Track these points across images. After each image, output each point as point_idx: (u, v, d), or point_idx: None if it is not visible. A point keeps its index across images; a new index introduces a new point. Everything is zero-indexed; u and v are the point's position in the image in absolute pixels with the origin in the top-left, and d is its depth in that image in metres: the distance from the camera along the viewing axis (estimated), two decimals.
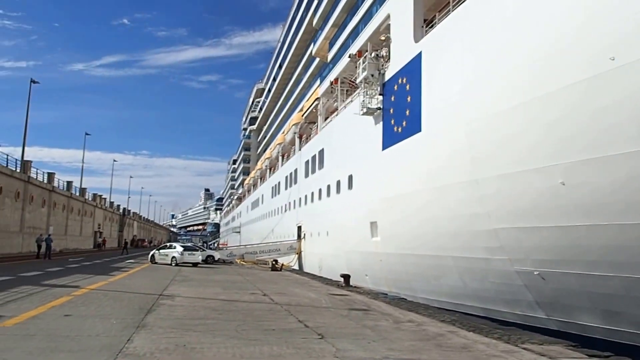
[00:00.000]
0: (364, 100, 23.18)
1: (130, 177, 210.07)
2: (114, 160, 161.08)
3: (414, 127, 18.78)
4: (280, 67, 68.65)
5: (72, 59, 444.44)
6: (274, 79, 74.40)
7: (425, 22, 20.23)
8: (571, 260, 12.91)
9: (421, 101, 18.31)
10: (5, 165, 39.91)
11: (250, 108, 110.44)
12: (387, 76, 22.15)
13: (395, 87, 21.01)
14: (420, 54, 18.68)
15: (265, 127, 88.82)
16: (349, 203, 27.39)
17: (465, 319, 13.34)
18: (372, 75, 22.75)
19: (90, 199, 71.62)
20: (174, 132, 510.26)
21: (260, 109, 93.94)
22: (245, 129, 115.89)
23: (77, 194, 64.02)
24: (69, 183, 60.84)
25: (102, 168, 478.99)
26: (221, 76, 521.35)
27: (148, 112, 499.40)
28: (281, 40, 72.49)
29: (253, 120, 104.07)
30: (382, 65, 22.84)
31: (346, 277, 21.98)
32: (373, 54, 23.03)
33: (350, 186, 27.21)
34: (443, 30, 17.58)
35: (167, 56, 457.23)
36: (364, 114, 23.26)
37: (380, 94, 22.62)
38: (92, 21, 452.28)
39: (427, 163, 17.94)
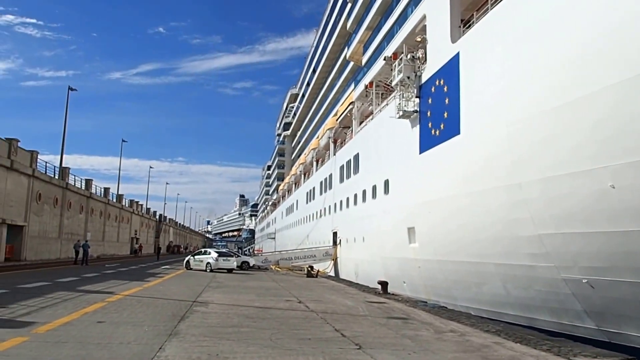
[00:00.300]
0: (400, 103, 22.68)
1: (167, 183, 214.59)
2: (150, 167, 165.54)
3: (452, 129, 18.20)
4: (314, 71, 68.48)
5: (109, 67, 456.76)
6: (308, 84, 74.30)
7: (462, 22, 19.65)
8: (622, 267, 12.17)
9: (460, 103, 17.73)
10: (43, 172, 40.77)
11: (284, 114, 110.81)
12: (424, 78, 21.62)
13: (433, 89, 20.46)
14: (457, 55, 18.12)
15: (299, 133, 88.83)
16: (385, 208, 26.87)
17: (509, 328, 12.68)
18: (408, 78, 22.24)
19: (127, 205, 72.68)
20: (209, 139, 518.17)
21: (294, 114, 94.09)
22: (279, 135, 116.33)
23: (114, 200, 65.05)
24: (106, 189, 61.89)
25: (139, 175, 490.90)
26: (255, 83, 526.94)
27: (184, 119, 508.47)
28: (314, 45, 72.45)
29: (287, 126, 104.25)
30: (419, 67, 22.31)
31: (384, 284, 21.46)
32: (409, 56, 22.52)
33: (386, 191, 26.70)
34: (481, 29, 16.98)
35: (202, 63, 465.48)
36: (400, 117, 22.76)
37: (416, 97, 22.08)
38: (129, 30, 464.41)
39: (466, 166, 17.35)
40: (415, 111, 22.03)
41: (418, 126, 21.93)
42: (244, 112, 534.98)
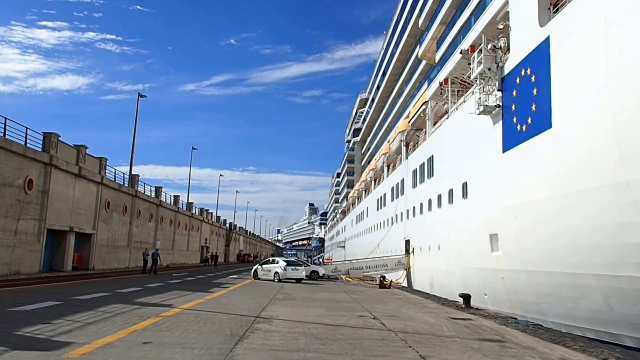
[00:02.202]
0: (480, 98, 20.74)
1: (237, 191, 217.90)
2: (220, 175, 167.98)
3: (542, 123, 16.11)
4: (383, 74, 66.98)
5: (184, 79, 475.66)
6: (378, 88, 72.91)
7: (551, 3, 17.54)
8: None
9: (551, 93, 15.65)
10: (112, 179, 41.24)
11: (354, 119, 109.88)
12: (507, 69, 19.57)
13: (518, 80, 18.41)
14: (547, 39, 16.05)
15: (369, 138, 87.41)
16: (463, 214, 24.82)
17: (629, 354, 10.57)
18: (489, 70, 20.28)
19: (197, 213, 73.04)
20: (279, 148, 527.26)
21: (364, 119, 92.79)
22: (348, 141, 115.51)
23: (184, 208, 65.49)
24: (176, 197, 61.86)
25: (211, 185, 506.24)
26: (324, 90, 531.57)
27: (255, 128, 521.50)
28: (384, 47, 71.07)
29: (356, 132, 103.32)
30: (500, 57, 20.30)
31: (466, 297, 19.39)
32: (489, 46, 20.54)
33: (464, 195, 24.65)
34: (577, 7, 14.89)
35: (272, 73, 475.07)
36: (480, 113, 20.79)
37: (498, 90, 20.06)
38: (202, 43, 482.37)
39: (561, 164, 15.20)
40: (498, 106, 19.99)
41: (501, 122, 19.87)
42: (313, 120, 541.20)
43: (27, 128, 28.26)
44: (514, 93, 18.71)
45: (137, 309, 13.67)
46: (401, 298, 22.48)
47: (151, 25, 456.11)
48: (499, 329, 12.69)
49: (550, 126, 15.64)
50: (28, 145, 28.18)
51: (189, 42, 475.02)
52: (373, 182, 63.94)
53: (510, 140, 18.82)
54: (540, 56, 16.49)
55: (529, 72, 17.43)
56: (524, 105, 17.67)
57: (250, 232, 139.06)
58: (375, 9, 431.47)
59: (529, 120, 17.18)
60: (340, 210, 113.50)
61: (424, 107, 37.25)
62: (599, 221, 13.59)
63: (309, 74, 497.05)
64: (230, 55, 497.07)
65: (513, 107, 18.73)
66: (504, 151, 19.46)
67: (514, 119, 18.50)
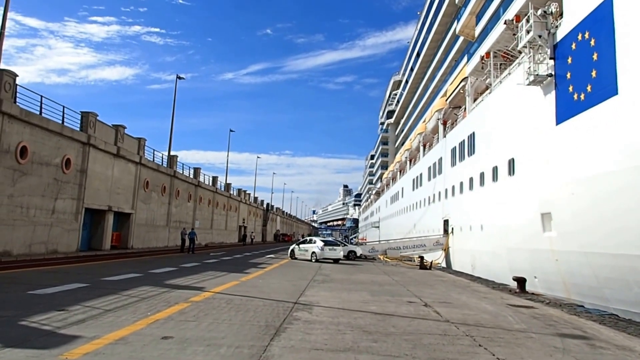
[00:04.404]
0: (530, 68, 19.36)
1: (274, 173, 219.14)
2: (258, 157, 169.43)
3: (606, 90, 14.75)
4: (417, 55, 65.54)
5: (223, 69, 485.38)
6: (412, 70, 71.55)
7: None
8: None
9: (616, 57, 14.26)
10: (151, 159, 41.29)
11: (387, 101, 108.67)
12: (560, 35, 18.12)
13: (574, 46, 16.99)
14: None
15: (402, 120, 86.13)
16: (510, 192, 23.54)
17: None
18: (540, 37, 18.84)
19: (235, 194, 73.67)
20: (313, 132, 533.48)
21: (398, 101, 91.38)
22: (382, 123, 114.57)
23: (222, 189, 65.96)
24: (214, 178, 62.34)
25: (250, 168, 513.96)
26: (356, 77, 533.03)
27: (290, 114, 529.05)
28: (418, 29, 69.62)
29: (390, 114, 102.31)
30: (551, 23, 18.84)
31: (520, 281, 18.15)
32: (539, 12, 19.09)
33: (511, 172, 23.36)
34: None
35: (306, 61, 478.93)
36: (530, 83, 19.42)
37: (550, 58, 18.63)
38: (240, 33, 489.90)
39: (630, 133, 13.85)
40: (550, 75, 18.59)
41: (553, 92, 18.49)
42: (346, 105, 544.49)
43: (64, 107, 28.09)
44: (570, 60, 17.29)
45: (165, 292, 12.86)
46: (446, 280, 21.50)
47: (192, 18, 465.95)
48: (572, 320, 11.49)
49: (616, 92, 14.26)
50: (66, 124, 28.05)
51: (228, 33, 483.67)
52: (408, 162, 62.63)
53: (566, 111, 17.45)
54: (601, 17, 15.06)
55: (587, 36, 16.01)
56: (582, 72, 16.27)
57: (286, 212, 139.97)
58: None
59: (589, 88, 15.82)
60: (374, 191, 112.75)
61: (463, 83, 35.78)
62: None
63: (342, 61, 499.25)
64: (267, 45, 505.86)
65: (568, 75, 17.33)
66: (557, 123, 18.10)
67: (570, 88, 17.12)
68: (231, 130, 76.28)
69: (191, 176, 52.62)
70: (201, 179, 55.72)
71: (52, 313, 9.14)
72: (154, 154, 42.14)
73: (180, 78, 49.45)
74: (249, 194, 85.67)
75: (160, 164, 43.59)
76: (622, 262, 14.74)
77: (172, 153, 47.56)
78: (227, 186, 69.31)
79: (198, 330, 8.20)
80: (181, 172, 48.99)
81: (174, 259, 28.19)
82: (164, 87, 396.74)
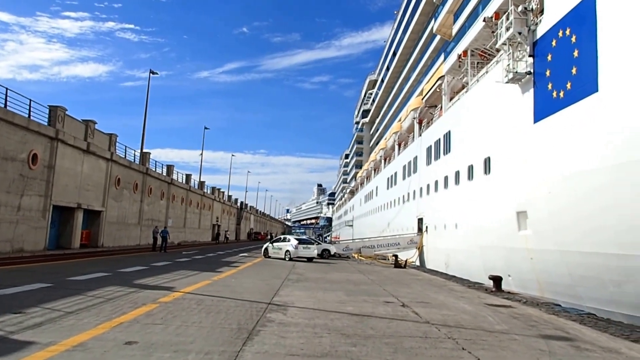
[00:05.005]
0: (509, 65, 19.22)
1: (248, 172, 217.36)
2: (232, 155, 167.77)
3: (586, 87, 14.64)
4: (394, 55, 65.58)
5: (198, 67, 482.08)
6: (387, 69, 71.59)
7: None
8: None
9: (597, 53, 14.14)
10: (123, 156, 40.24)
11: (363, 101, 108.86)
12: (540, 32, 18.01)
13: (554, 43, 16.87)
14: None
15: (378, 119, 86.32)
16: (485, 191, 23.46)
17: None
18: (520, 34, 18.72)
19: (208, 192, 72.79)
20: (288, 131, 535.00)
21: (373, 100, 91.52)
22: (357, 123, 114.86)
23: (196, 187, 65.05)
24: (188, 176, 61.41)
25: (224, 167, 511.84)
26: (332, 76, 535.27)
27: (265, 113, 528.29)
28: (394, 28, 69.70)
29: (365, 113, 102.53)
30: (532, 20, 18.73)
31: (497, 280, 17.98)
32: (520, 8, 18.95)
33: (487, 170, 23.26)
34: None
35: (282, 60, 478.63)
36: (509, 81, 19.29)
37: (530, 56, 18.53)
38: (216, 32, 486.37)
39: (610, 132, 13.73)
40: (529, 73, 18.47)
41: (532, 90, 18.39)
42: (321, 105, 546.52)
43: (30, 100, 26.95)
44: (549, 57, 17.17)
45: (132, 292, 12.15)
46: (422, 279, 21.24)
47: (168, 15, 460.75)
48: (552, 320, 11.22)
49: (596, 90, 14.16)
50: (33, 118, 26.88)
51: (204, 31, 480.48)
52: (383, 161, 62.64)
53: (544, 109, 17.34)
54: (583, 13, 14.95)
55: (568, 32, 15.89)
56: (562, 69, 16.16)
57: (260, 211, 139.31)
58: None
59: (568, 86, 15.70)
60: (348, 190, 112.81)
61: (439, 82, 35.73)
62: None
63: (317, 61, 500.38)
64: (243, 43, 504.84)
65: (548, 73, 17.21)
66: (535, 121, 17.99)
67: (549, 86, 17.01)
68: (206, 128, 75.42)
69: (164, 174, 51.63)
70: (174, 177, 54.79)
71: (7, 316, 8.40)
72: (125, 150, 41.12)
73: (153, 73, 48.25)
74: (223, 192, 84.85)
75: (133, 160, 42.54)
76: (598, 260, 14.67)
77: (145, 150, 46.47)
78: (201, 184, 68.36)
79: (165, 334, 7.60)
80: (154, 170, 47.97)
81: (145, 257, 27.38)
82: (138, 84, 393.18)
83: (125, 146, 41.24)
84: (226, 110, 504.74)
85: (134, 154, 43.64)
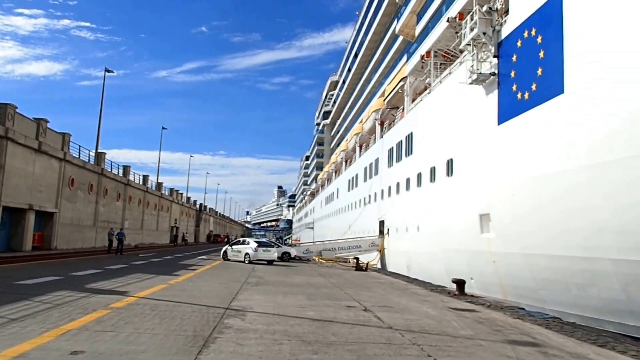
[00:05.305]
0: (473, 66, 19.00)
1: (207, 173, 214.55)
2: (191, 156, 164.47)
3: (551, 89, 14.44)
4: (355, 56, 65.46)
5: (156, 66, 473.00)
6: (349, 70, 71.43)
7: None
8: None
9: (563, 54, 13.96)
10: (77, 156, 38.60)
11: (324, 102, 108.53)
12: (505, 32, 17.84)
13: (519, 43, 16.70)
14: None
15: (339, 121, 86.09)
16: (448, 193, 23.23)
17: None
18: (484, 34, 18.50)
19: (167, 193, 71.25)
20: (248, 133, 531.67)
21: (334, 102, 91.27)
22: (318, 124, 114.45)
23: (154, 188, 63.54)
24: (145, 177, 60.14)
25: (183, 168, 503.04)
26: (292, 77, 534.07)
27: (225, 114, 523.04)
28: (356, 29, 69.52)
29: (326, 115, 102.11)
30: (497, 21, 18.55)
31: (460, 284, 17.71)
32: (485, 7, 18.75)
33: (449, 172, 23.04)
34: None
35: (242, 60, 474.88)
36: (472, 82, 19.06)
37: (494, 56, 18.35)
38: (174, 31, 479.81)
39: (574, 133, 13.54)
40: (493, 74, 18.29)
41: (496, 92, 18.20)
42: (282, 106, 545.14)
43: None
44: (514, 58, 17.00)
45: (84, 297, 11.32)
46: (383, 282, 20.82)
47: (125, 14, 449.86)
48: (517, 324, 10.87)
49: (562, 91, 13.97)
50: None
51: (161, 30, 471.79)
52: (344, 163, 62.38)
53: (508, 110, 17.15)
54: (549, 13, 14.77)
55: (534, 33, 15.71)
56: (527, 70, 15.97)
57: (220, 213, 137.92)
58: None
59: (534, 87, 15.51)
60: (309, 192, 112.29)
61: (401, 83, 35.57)
62: (623, 199, 12.03)
63: (278, 62, 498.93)
64: (202, 43, 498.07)
65: (512, 74, 17.03)
66: (499, 123, 17.80)
67: (514, 87, 16.82)
68: (164, 128, 73.88)
69: (121, 174, 50.14)
70: (131, 178, 53.48)
71: None
72: (79, 150, 39.57)
73: (109, 71, 46.72)
74: (182, 193, 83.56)
75: (87, 161, 41.05)
76: (562, 263, 14.50)
77: (100, 150, 44.98)
78: (159, 185, 66.90)
79: (115, 342, 6.96)
80: (109, 170, 46.60)
81: (100, 260, 26.25)
82: (94, 83, 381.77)
83: (80, 146, 39.82)
84: (185, 110, 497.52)
85: (89, 154, 42.16)
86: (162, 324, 8.55)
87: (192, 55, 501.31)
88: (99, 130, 46.14)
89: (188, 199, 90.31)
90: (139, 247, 48.84)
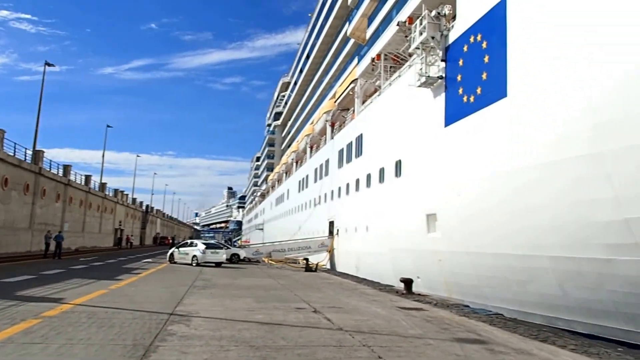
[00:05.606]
0: (421, 69, 19.37)
1: (155, 173, 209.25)
2: (138, 156, 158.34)
3: (495, 92, 14.92)
4: (307, 57, 65.57)
5: (102, 63, 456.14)
6: (301, 71, 71.52)
7: None
8: None
9: (507, 59, 14.44)
10: (12, 154, 36.52)
11: (275, 103, 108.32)
12: (452, 37, 18.29)
13: (465, 48, 17.16)
14: (504, 0, 14.77)
15: (290, 122, 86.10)
16: (396, 193, 23.60)
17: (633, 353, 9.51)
18: (433, 38, 18.90)
19: (111, 194, 68.95)
20: (198, 133, 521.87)
21: (286, 103, 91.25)
22: (269, 125, 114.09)
23: (97, 189, 61.24)
24: (88, 177, 57.64)
25: (130, 168, 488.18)
26: (244, 78, 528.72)
27: (174, 113, 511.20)
28: (308, 30, 69.59)
29: (278, 116, 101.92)
30: (444, 25, 18.99)
31: (408, 283, 17.99)
32: (434, 12, 19.16)
33: (397, 173, 23.41)
34: None
35: (193, 59, 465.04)
36: (421, 85, 19.43)
37: (442, 60, 18.78)
38: (122, 26, 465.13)
39: (516, 136, 14.02)
40: (440, 77, 18.72)
41: (443, 95, 18.64)
42: (233, 107, 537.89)
43: None
44: (461, 62, 17.46)
45: (12, 306, 10.61)
46: (333, 283, 20.92)
47: (69, 6, 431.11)
48: (463, 322, 11.13)
49: (505, 95, 14.44)
50: None
51: (108, 25, 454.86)
52: (295, 164, 62.36)
53: (455, 113, 17.60)
54: (494, 20, 15.24)
55: (479, 38, 16.19)
56: (473, 74, 16.44)
57: (167, 215, 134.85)
58: (296, 1, 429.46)
59: (478, 91, 15.98)
60: (259, 194, 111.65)
61: (352, 85, 35.89)
62: (563, 198, 12.53)
63: (230, 61, 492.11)
64: (151, 40, 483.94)
65: (459, 78, 17.48)
66: (446, 125, 18.24)
67: (460, 90, 17.27)
68: (108, 126, 70.63)
69: (60, 174, 47.72)
70: (72, 178, 50.93)
71: None
72: (15, 147, 37.31)
73: (49, 65, 44.35)
74: (127, 194, 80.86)
75: (24, 159, 38.73)
76: (503, 261, 14.99)
77: (38, 148, 42.49)
78: (102, 186, 64.44)
79: (44, 355, 6.48)
80: (48, 170, 44.09)
81: (35, 265, 24.94)
82: (35, 78, 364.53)
83: (15, 143, 37.49)
84: (133, 109, 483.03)
85: (25, 152, 39.83)
86: (99, 333, 8.08)
87: (140, 53, 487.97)
88: (37, 127, 43.85)
89: (134, 200, 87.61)
90: (79, 251, 46.99)
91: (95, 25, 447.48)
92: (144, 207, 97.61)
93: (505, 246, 14.75)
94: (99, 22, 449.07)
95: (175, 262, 30.83)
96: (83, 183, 55.63)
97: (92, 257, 36.80)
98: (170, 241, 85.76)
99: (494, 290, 16.04)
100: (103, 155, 73.33)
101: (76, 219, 52.40)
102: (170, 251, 32.86)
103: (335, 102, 41.58)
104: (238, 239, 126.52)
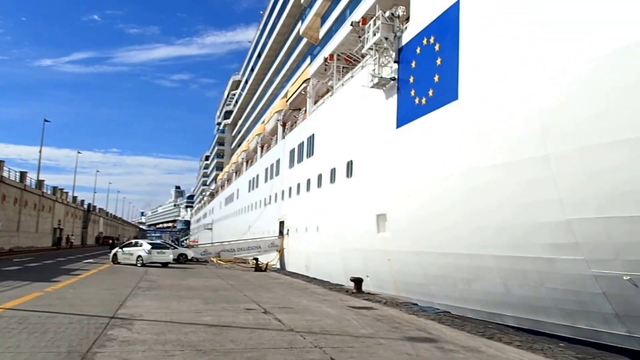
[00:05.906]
0: (374, 70, 19.49)
1: (97, 171, 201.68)
2: (79, 152, 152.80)
3: (446, 95, 15.14)
4: (259, 56, 65.09)
5: (40, 54, 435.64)
6: (252, 70, 70.89)
7: None
8: None
9: (458, 62, 14.67)
10: None
11: (225, 101, 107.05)
12: (406, 39, 18.46)
13: (418, 50, 17.36)
14: (457, 3, 15.02)
15: (240, 121, 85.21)
16: (347, 193, 23.67)
17: (578, 349, 9.84)
18: (386, 39, 19.04)
19: (49, 192, 66.05)
20: (144, 130, 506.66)
21: (236, 101, 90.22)
22: (219, 124, 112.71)
23: (33, 186, 58.41)
24: (23, 174, 54.73)
25: (70, 166, 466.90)
26: (193, 75, 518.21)
27: (119, 109, 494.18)
28: (260, 28, 69.01)
29: (228, 114, 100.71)
30: (398, 27, 19.17)
31: (358, 282, 18.06)
32: (387, 13, 19.31)
33: (349, 174, 23.49)
34: None
35: (139, 54, 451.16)
36: (374, 85, 19.54)
37: (395, 62, 18.94)
38: (62, 16, 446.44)
39: (466, 139, 14.28)
40: (393, 78, 18.86)
41: (395, 96, 18.80)
42: (181, 105, 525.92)
43: None
44: (413, 64, 17.65)
45: None
46: (283, 283, 20.75)
47: None
48: (413, 320, 11.24)
49: (456, 97, 14.67)
50: None
51: (47, 15, 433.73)
52: (245, 163, 61.74)
53: (406, 115, 17.78)
54: (447, 22, 15.45)
55: (432, 41, 16.40)
56: (425, 76, 16.64)
57: (111, 214, 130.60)
58: None
59: (430, 93, 16.19)
60: (208, 193, 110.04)
61: (304, 85, 35.82)
62: (508, 199, 12.83)
63: (178, 58, 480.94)
64: (93, 32, 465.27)
65: (411, 79, 17.67)
66: (398, 126, 18.40)
67: (412, 92, 17.46)
68: (46, 120, 67.07)
69: None
70: (5, 174, 48.43)
71: None
72: None
73: None
74: (67, 192, 77.72)
75: None
76: (450, 260, 15.28)
77: None
78: (39, 183, 61.48)
79: None
80: None
81: None
82: None
83: None
84: (74, 104, 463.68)
85: None
86: (30, 340, 7.53)
87: (82, 45, 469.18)
88: None
89: (74, 198, 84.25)
90: (13, 252, 44.76)
91: (32, 14, 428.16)
92: (85, 206, 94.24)
93: (452, 246, 15.02)
94: (36, 11, 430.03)
95: (119, 263, 29.82)
96: (18, 180, 52.97)
97: (28, 257, 35.20)
98: (111, 241, 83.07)
99: (440, 288, 16.32)
100: (40, 151, 69.75)
101: (10, 217, 49.95)
102: (114, 251, 31.75)
103: (287, 101, 41.42)
104: (186, 239, 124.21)
